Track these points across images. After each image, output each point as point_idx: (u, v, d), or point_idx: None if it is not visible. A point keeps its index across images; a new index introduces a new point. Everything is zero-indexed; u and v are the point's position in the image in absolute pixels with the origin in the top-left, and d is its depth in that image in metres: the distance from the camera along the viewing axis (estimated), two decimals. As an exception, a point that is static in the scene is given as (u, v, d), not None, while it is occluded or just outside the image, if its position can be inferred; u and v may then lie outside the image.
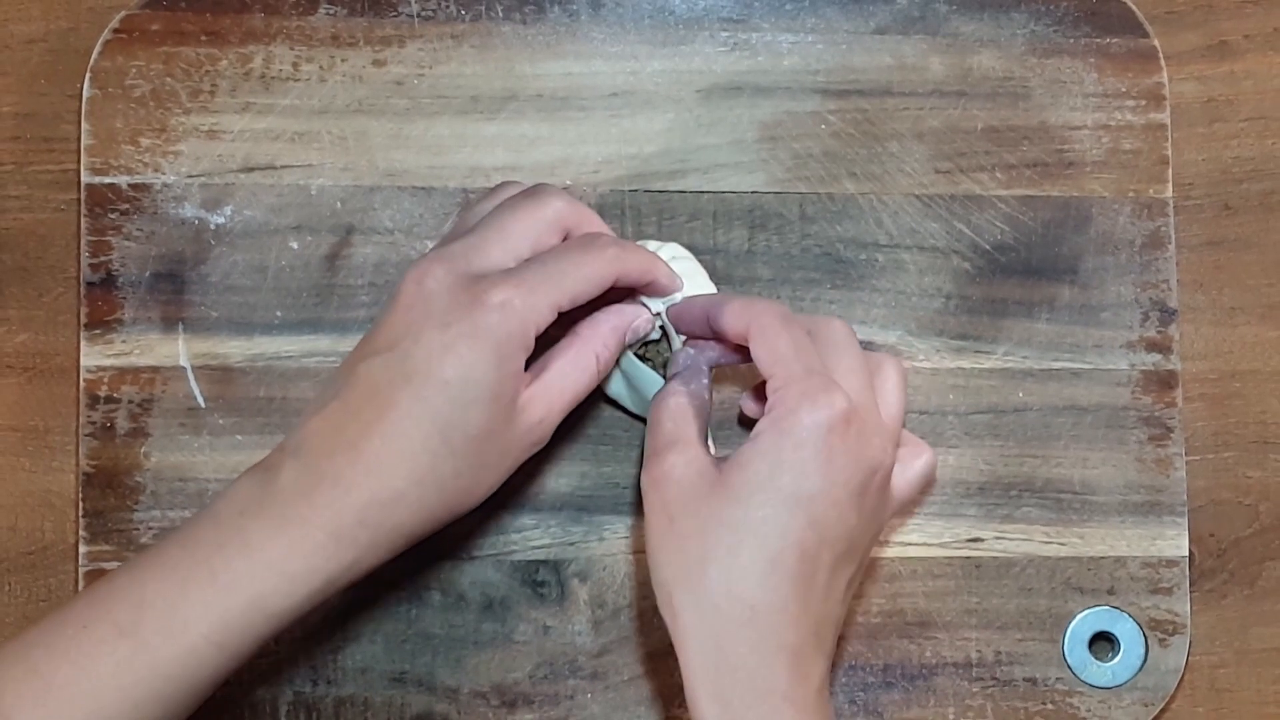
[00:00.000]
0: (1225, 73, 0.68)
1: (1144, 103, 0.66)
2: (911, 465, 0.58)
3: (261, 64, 0.64)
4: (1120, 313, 0.66)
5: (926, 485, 0.60)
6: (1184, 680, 0.65)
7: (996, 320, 0.65)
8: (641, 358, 0.60)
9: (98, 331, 0.63)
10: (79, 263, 0.63)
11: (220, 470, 0.62)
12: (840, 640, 0.62)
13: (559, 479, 0.63)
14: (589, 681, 0.63)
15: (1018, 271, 0.66)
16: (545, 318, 0.54)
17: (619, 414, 0.64)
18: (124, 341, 0.63)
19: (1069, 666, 0.64)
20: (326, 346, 0.63)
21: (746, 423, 0.63)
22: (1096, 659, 0.64)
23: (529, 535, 0.63)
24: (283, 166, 0.64)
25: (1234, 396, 0.67)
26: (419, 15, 0.65)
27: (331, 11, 0.64)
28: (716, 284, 0.61)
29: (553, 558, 0.63)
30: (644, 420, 0.63)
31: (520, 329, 0.53)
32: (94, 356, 0.62)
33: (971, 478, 0.65)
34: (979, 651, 0.64)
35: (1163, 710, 0.65)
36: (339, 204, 0.64)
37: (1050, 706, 0.64)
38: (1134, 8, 0.67)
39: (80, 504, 0.62)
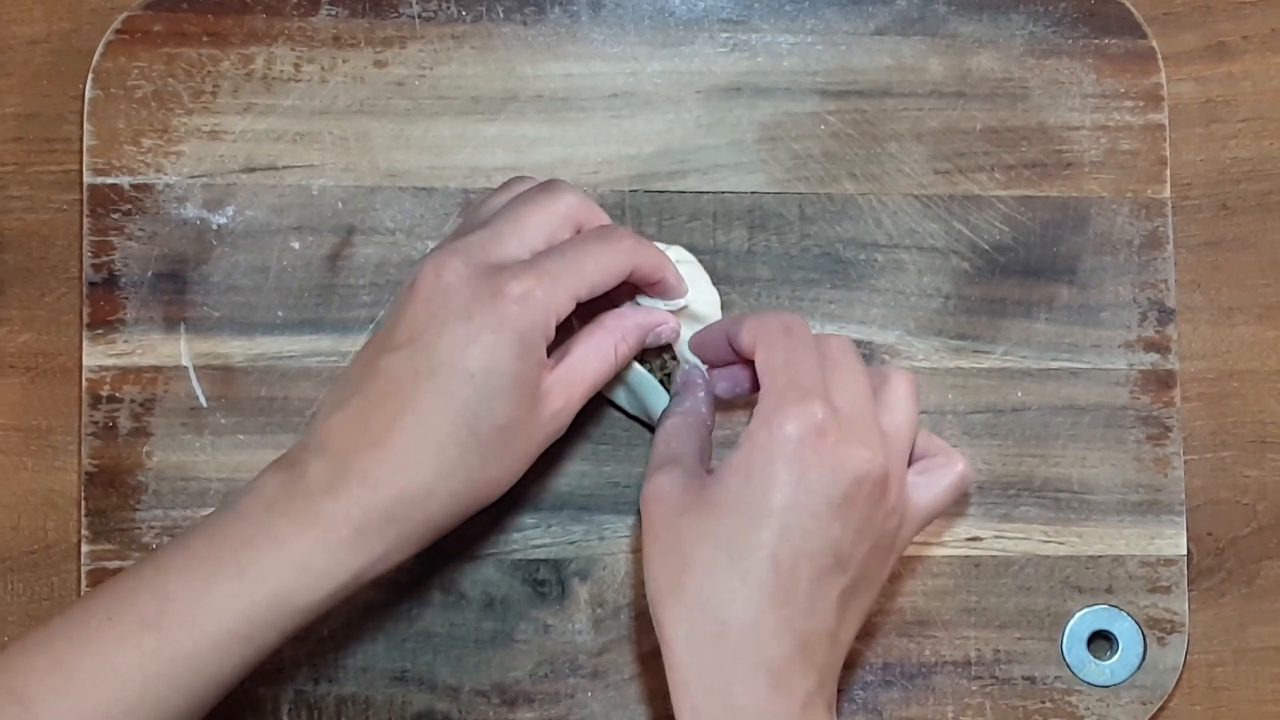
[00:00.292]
0: (1223, 73, 0.68)
1: (1142, 103, 0.67)
2: (940, 478, 0.57)
3: (263, 65, 0.64)
4: (1118, 312, 0.66)
5: (958, 495, 0.58)
6: (1182, 679, 0.65)
7: (995, 320, 0.65)
8: (640, 361, 0.60)
9: (100, 331, 0.63)
10: (81, 263, 0.63)
11: (222, 470, 0.62)
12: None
13: (559, 479, 0.64)
14: (589, 680, 0.63)
15: (1016, 271, 0.66)
16: (565, 307, 0.54)
17: (620, 414, 0.64)
18: (126, 341, 0.63)
19: (1067, 665, 0.64)
20: (328, 346, 0.63)
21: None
22: (1095, 657, 0.64)
23: (529, 535, 0.63)
24: (284, 167, 0.64)
25: (1232, 396, 0.67)
26: (420, 16, 0.65)
27: (333, 12, 0.65)
28: (716, 284, 0.61)
29: (553, 557, 0.63)
30: (640, 421, 0.63)
31: (542, 319, 0.53)
32: (96, 356, 0.63)
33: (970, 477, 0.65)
34: (978, 650, 0.64)
35: (1161, 709, 0.65)
36: (340, 204, 0.64)
37: (1049, 705, 0.64)
38: (1132, 9, 0.67)
39: (83, 503, 0.62)
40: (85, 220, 0.63)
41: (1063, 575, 0.65)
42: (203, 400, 0.63)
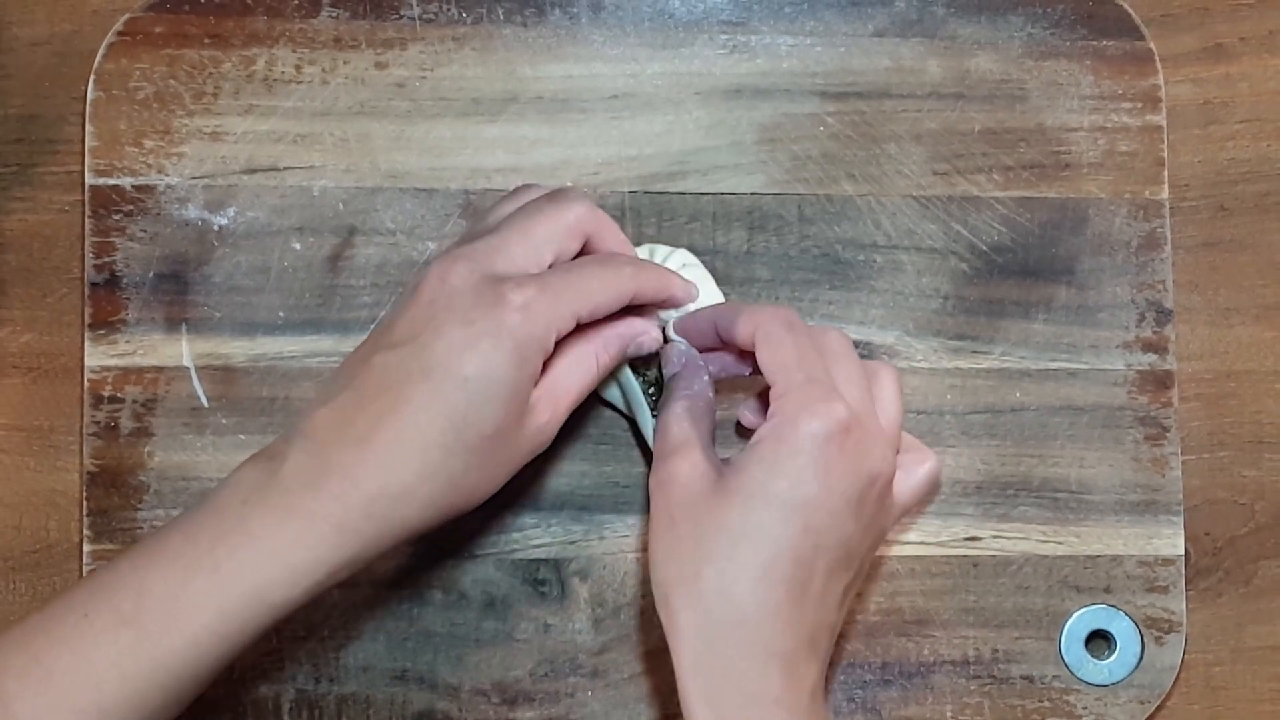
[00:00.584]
0: (1221, 75, 0.68)
1: (1140, 105, 0.67)
2: (915, 472, 0.58)
3: (264, 66, 0.64)
4: (1116, 313, 0.66)
5: (930, 491, 0.60)
6: (1180, 678, 0.65)
7: (994, 321, 0.66)
8: (633, 368, 0.60)
9: (102, 332, 0.63)
10: (83, 263, 0.63)
11: (223, 470, 0.62)
12: (839, 639, 0.63)
13: (559, 478, 0.64)
14: (589, 679, 0.63)
15: (1015, 272, 0.66)
16: (566, 325, 0.54)
17: (619, 415, 0.64)
18: (128, 342, 0.63)
19: (1066, 664, 0.64)
20: (329, 347, 0.63)
21: (744, 432, 0.64)
22: (1093, 657, 0.65)
23: (530, 534, 0.64)
24: (285, 168, 0.64)
25: (1229, 396, 0.67)
26: (420, 18, 0.65)
27: (334, 14, 0.65)
28: (716, 284, 0.62)
29: (553, 556, 0.64)
30: (630, 419, 0.63)
31: (543, 331, 0.53)
32: (98, 357, 0.63)
33: (969, 477, 0.65)
34: (976, 649, 0.64)
35: (1159, 708, 0.65)
36: (341, 205, 0.64)
37: (1047, 704, 0.64)
38: (1130, 11, 0.67)
39: (84, 503, 0.62)
40: (87, 221, 0.63)
41: (1061, 575, 0.65)
42: (204, 400, 0.63)
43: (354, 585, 0.62)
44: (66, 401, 0.64)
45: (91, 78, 0.64)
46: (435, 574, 0.63)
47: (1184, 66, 0.68)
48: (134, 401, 0.63)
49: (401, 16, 0.65)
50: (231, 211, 0.64)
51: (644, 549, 0.64)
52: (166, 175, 0.64)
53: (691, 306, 0.59)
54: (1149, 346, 0.66)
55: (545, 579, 0.63)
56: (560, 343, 0.56)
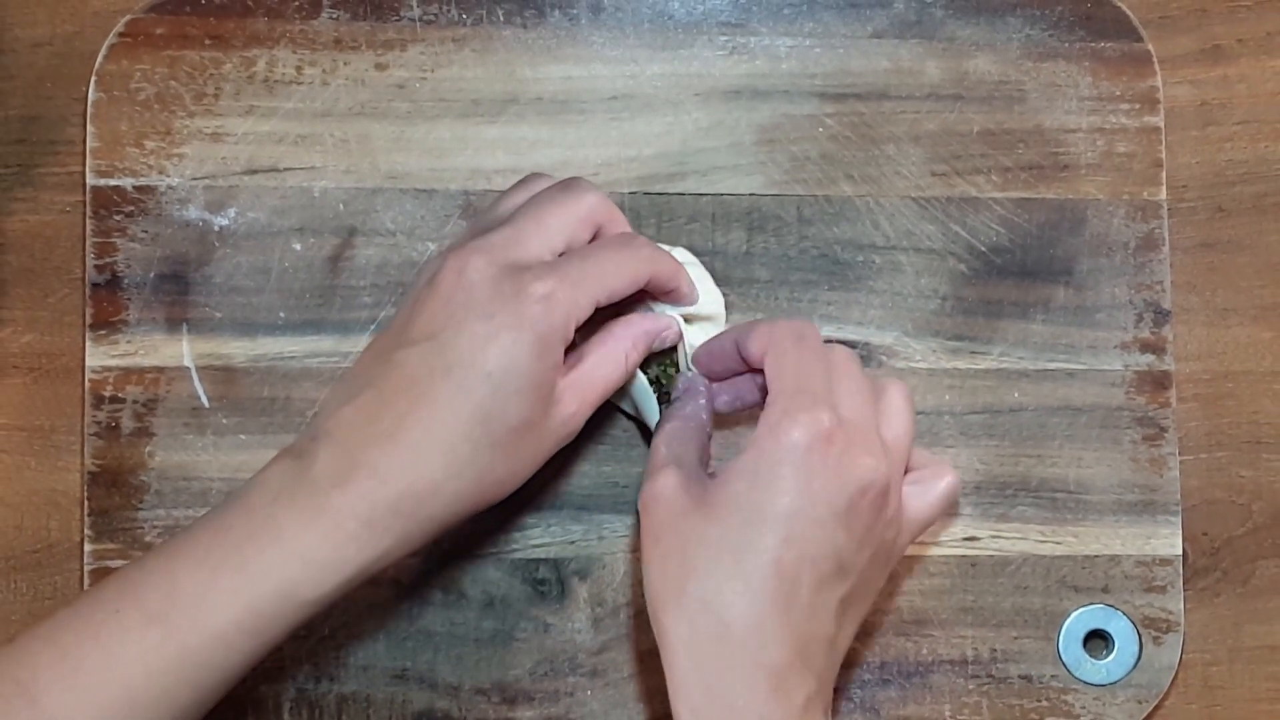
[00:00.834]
0: (1219, 76, 0.69)
1: (1138, 106, 0.67)
2: (932, 487, 0.58)
3: (265, 67, 0.65)
4: (1115, 314, 0.66)
5: (948, 507, 0.59)
6: (1178, 677, 0.66)
7: (992, 321, 0.66)
8: (641, 367, 0.60)
9: (103, 332, 0.63)
10: (84, 264, 0.63)
11: (224, 470, 0.63)
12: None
13: (559, 478, 0.64)
14: (588, 678, 0.63)
15: (1013, 273, 0.66)
16: (585, 312, 0.54)
17: (619, 414, 0.64)
18: (129, 342, 0.63)
19: (1064, 664, 0.65)
20: (329, 347, 0.64)
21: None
22: (1091, 656, 0.65)
23: (529, 534, 0.64)
24: (286, 169, 0.64)
25: (1227, 397, 0.67)
26: (421, 19, 0.65)
27: (334, 15, 0.65)
28: (716, 285, 0.62)
29: (553, 556, 0.64)
30: (637, 422, 0.64)
31: (563, 321, 0.53)
32: (99, 357, 0.63)
33: (967, 477, 0.65)
34: (975, 649, 0.65)
35: (1156, 707, 0.65)
36: (341, 206, 0.64)
37: (1045, 703, 0.65)
38: (1128, 12, 0.67)
39: (85, 503, 0.63)
40: (88, 222, 0.63)
41: (1059, 575, 0.65)
42: (205, 400, 0.63)
43: (363, 581, 0.62)
44: (68, 401, 0.64)
45: (93, 79, 0.64)
46: (435, 574, 0.63)
47: (1182, 68, 0.68)
48: (135, 401, 0.63)
49: (402, 18, 0.65)
50: (232, 212, 0.64)
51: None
52: (167, 176, 0.64)
53: (691, 308, 0.60)
54: (1147, 347, 0.66)
55: (545, 579, 0.64)
56: (591, 337, 0.56)
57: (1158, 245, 0.66)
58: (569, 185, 0.58)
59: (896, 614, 0.64)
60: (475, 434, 0.53)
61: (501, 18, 0.65)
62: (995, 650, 0.65)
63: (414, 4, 0.65)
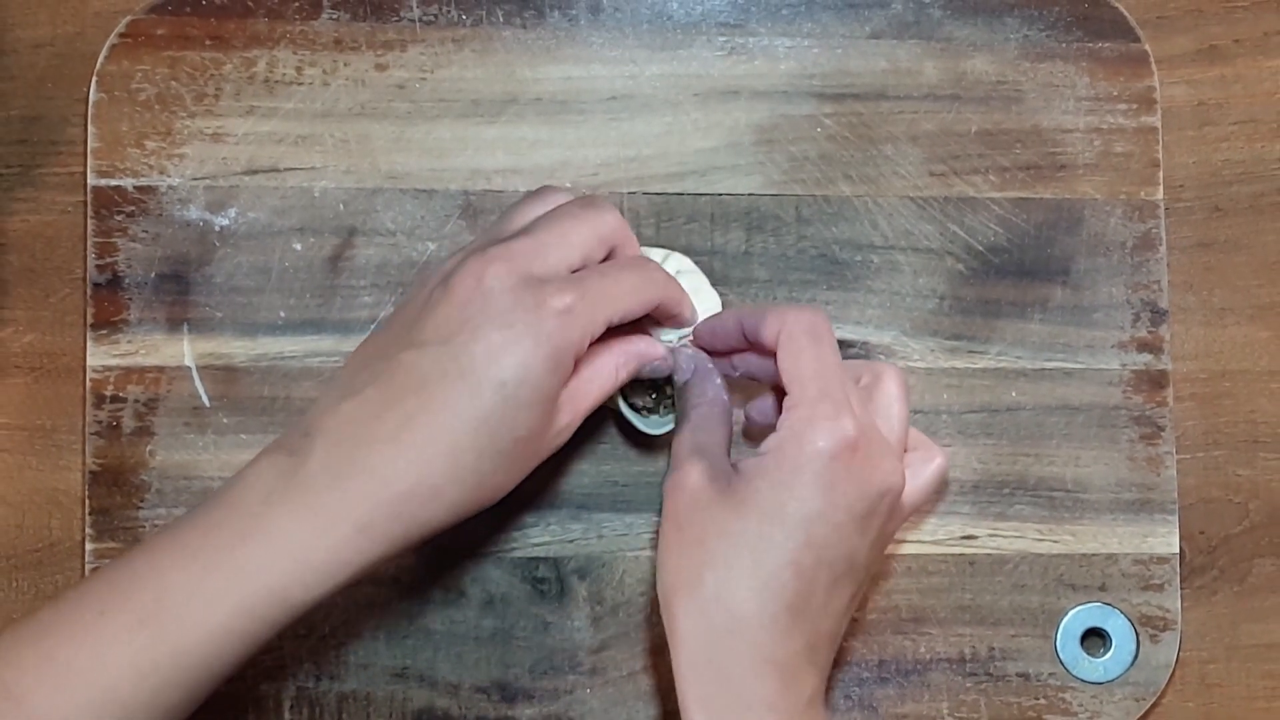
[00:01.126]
0: (1215, 77, 0.69)
1: (1135, 106, 0.67)
2: (921, 471, 0.58)
3: (265, 68, 0.65)
4: (1112, 313, 0.66)
5: (938, 489, 0.60)
6: (1174, 675, 0.66)
7: (990, 321, 0.66)
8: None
9: (104, 332, 0.63)
10: (85, 264, 0.64)
11: (225, 469, 0.63)
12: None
13: (558, 478, 0.64)
14: (588, 677, 0.64)
15: (1011, 273, 0.66)
16: (599, 330, 0.54)
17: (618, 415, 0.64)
18: (130, 342, 0.63)
19: (1061, 662, 0.65)
20: (329, 347, 0.64)
21: (753, 435, 0.64)
22: (1088, 654, 0.65)
23: (529, 533, 0.64)
24: (286, 169, 0.64)
25: (1224, 396, 0.68)
26: (420, 20, 0.65)
27: (334, 16, 0.65)
28: (714, 286, 0.62)
29: (552, 555, 0.64)
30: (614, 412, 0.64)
31: (579, 337, 0.53)
32: (100, 356, 0.63)
33: (965, 476, 0.65)
34: (973, 647, 0.65)
35: (1153, 705, 0.65)
36: (342, 206, 0.65)
37: (1043, 701, 0.65)
38: (1125, 13, 0.67)
39: (86, 502, 0.63)
40: (89, 222, 0.64)
41: (1056, 573, 0.65)
42: (205, 400, 0.63)
43: (354, 584, 0.62)
44: (69, 401, 0.64)
45: (94, 79, 0.64)
46: (435, 573, 0.63)
47: (1179, 68, 0.69)
48: (136, 401, 0.63)
49: (401, 19, 0.65)
50: (233, 212, 0.64)
51: (642, 548, 0.64)
52: (168, 176, 0.64)
53: (689, 331, 0.60)
54: (1144, 346, 0.66)
55: (544, 577, 0.64)
56: (586, 352, 0.56)
57: (1155, 245, 0.67)
58: (591, 202, 0.57)
59: (895, 612, 0.65)
60: (481, 442, 0.52)
61: (501, 18, 0.66)
62: (993, 648, 0.65)
63: (414, 5, 0.65)
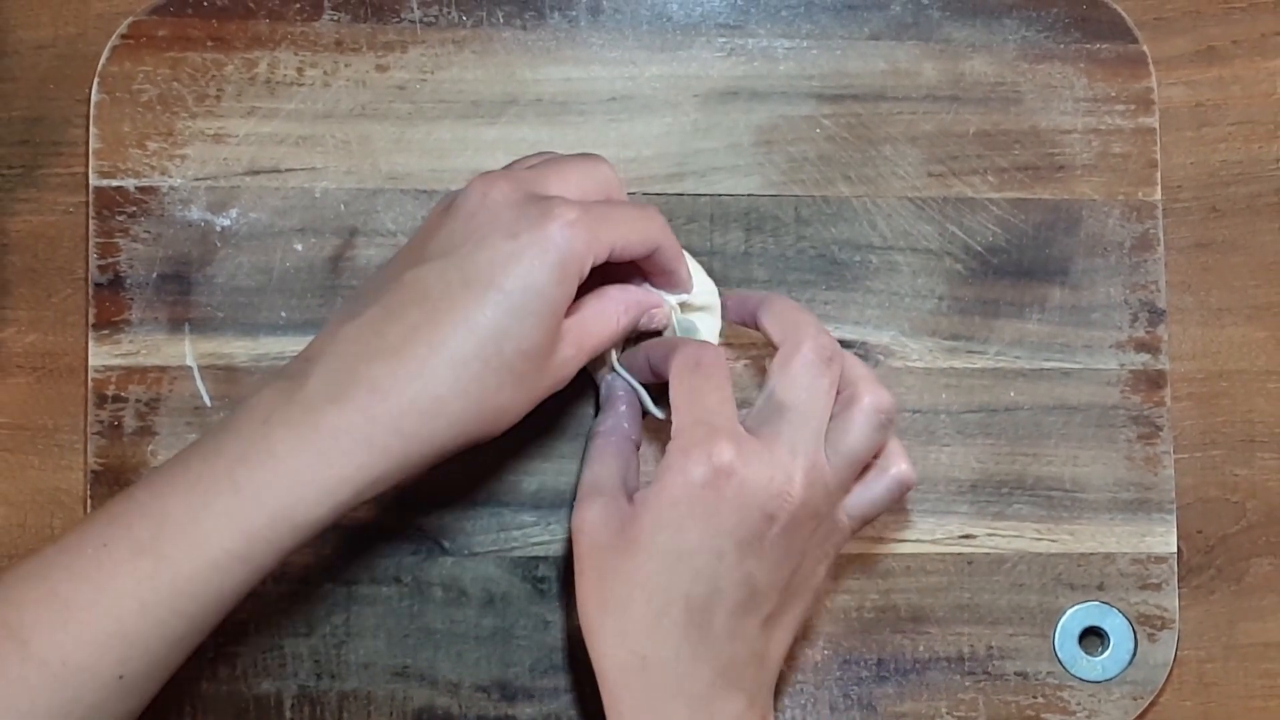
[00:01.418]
0: (1213, 78, 0.69)
1: (1133, 107, 0.67)
2: (875, 483, 0.58)
3: (266, 69, 0.65)
4: (1110, 313, 0.66)
5: (895, 499, 0.59)
6: (1172, 674, 0.66)
7: (988, 321, 0.66)
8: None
9: (105, 332, 0.63)
10: (87, 264, 0.64)
11: (226, 468, 0.63)
12: (833, 637, 0.64)
13: (559, 477, 0.64)
14: (588, 676, 0.63)
15: (1009, 273, 0.66)
16: (603, 253, 0.53)
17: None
18: (131, 342, 0.63)
19: (1059, 661, 0.65)
20: (330, 346, 0.64)
21: None
22: (1086, 653, 0.65)
23: (529, 532, 0.64)
24: (287, 170, 0.65)
25: (1221, 396, 0.68)
26: (421, 21, 0.66)
27: (335, 18, 0.65)
28: (714, 285, 0.62)
29: (553, 554, 0.64)
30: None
31: (584, 250, 0.52)
32: (102, 356, 0.63)
33: (963, 475, 0.65)
34: (971, 646, 0.65)
35: (1151, 704, 0.66)
36: (343, 206, 0.65)
37: (1041, 700, 0.65)
38: (1123, 14, 0.67)
39: (88, 502, 0.63)
40: (91, 222, 0.64)
41: (1055, 572, 0.65)
42: (207, 400, 0.63)
43: (355, 582, 0.63)
44: (70, 401, 0.64)
45: (95, 80, 0.64)
46: (435, 572, 0.63)
47: (1177, 69, 0.69)
48: (137, 401, 0.63)
49: (402, 20, 0.65)
50: (234, 213, 0.64)
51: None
52: (170, 177, 0.64)
53: (686, 295, 0.60)
54: (1142, 346, 0.66)
55: (544, 576, 0.64)
56: (588, 295, 0.55)
57: (1152, 245, 0.67)
58: (590, 155, 0.58)
59: (893, 611, 0.65)
60: (486, 352, 0.51)
61: (501, 19, 0.66)
62: (991, 647, 0.65)
63: (414, 6, 0.65)
